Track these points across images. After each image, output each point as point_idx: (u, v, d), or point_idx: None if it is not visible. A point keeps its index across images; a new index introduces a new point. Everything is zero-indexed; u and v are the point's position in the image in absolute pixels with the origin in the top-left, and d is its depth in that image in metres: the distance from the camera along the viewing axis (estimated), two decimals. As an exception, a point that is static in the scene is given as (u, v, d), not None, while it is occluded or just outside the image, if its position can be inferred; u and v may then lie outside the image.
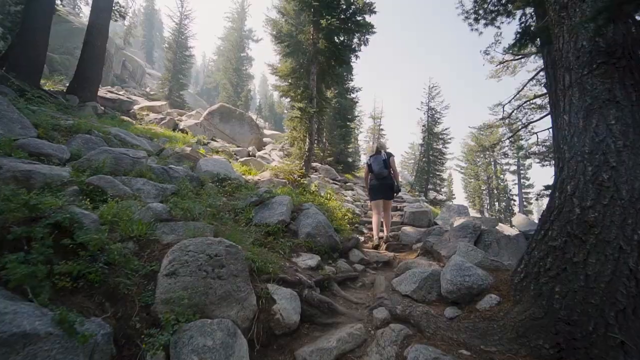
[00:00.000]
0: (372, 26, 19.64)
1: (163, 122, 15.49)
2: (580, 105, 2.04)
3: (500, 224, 5.24)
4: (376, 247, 5.32)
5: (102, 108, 12.46)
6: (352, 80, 20.39)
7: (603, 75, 1.98)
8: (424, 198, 14.84)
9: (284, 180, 6.41)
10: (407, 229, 5.67)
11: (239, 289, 2.36)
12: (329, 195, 6.96)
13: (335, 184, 11.42)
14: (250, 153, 13.79)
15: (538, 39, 5.43)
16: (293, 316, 2.47)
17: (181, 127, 15.69)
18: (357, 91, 20.07)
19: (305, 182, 6.89)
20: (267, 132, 35.05)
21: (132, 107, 15.92)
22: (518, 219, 4.56)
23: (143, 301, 2.04)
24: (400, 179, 5.82)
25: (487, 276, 2.50)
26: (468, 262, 2.62)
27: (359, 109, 40.17)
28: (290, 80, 7.55)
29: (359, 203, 8.55)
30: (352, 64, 20.74)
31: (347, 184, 11.86)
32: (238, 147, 15.50)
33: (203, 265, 2.27)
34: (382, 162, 5.40)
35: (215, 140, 15.93)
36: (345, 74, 20.17)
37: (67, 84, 12.32)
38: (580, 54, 2.11)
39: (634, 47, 2.03)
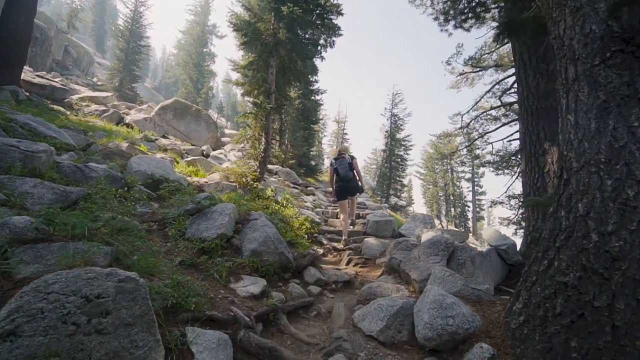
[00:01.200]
0: (339, 28, 19.35)
1: (106, 114, 13.80)
2: (591, 103, 1.62)
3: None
4: (347, 244, 5.50)
5: (27, 94, 10.71)
6: (317, 82, 19.96)
7: (620, 65, 1.58)
8: (386, 205, 14.70)
9: (234, 184, 5.63)
10: (370, 240, 5.17)
11: (135, 345, 1.62)
12: (285, 201, 6.29)
13: (296, 188, 10.75)
14: (205, 152, 12.69)
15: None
16: (217, 377, 1.77)
17: (127, 122, 14.12)
18: (321, 93, 19.65)
19: (260, 186, 6.15)
20: (228, 131, 33.47)
21: (67, 96, 14.02)
22: (488, 231, 4.22)
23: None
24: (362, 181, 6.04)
25: (475, 316, 1.99)
26: (449, 296, 2.11)
27: (324, 112, 40.01)
28: (247, 73, 6.78)
29: (319, 209, 7.97)
30: (317, 65, 20.38)
31: (309, 189, 11.24)
32: (192, 145, 14.27)
33: (72, 315, 1.49)
34: (347, 165, 5.61)
35: (167, 138, 14.57)
36: (309, 75, 19.71)
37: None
38: (588, 41, 1.70)
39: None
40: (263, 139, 6.22)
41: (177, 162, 6.91)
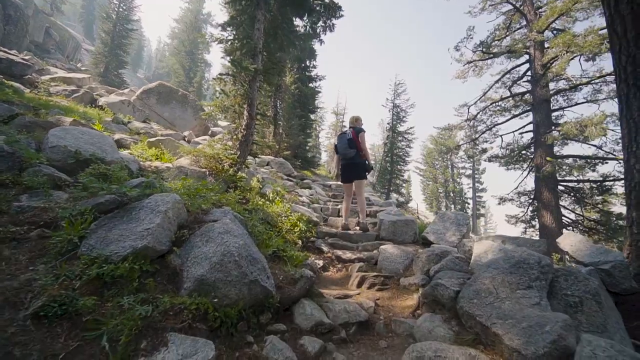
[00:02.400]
0: (340, 7, 17.80)
1: (76, 95, 12.18)
2: None
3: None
4: (345, 228, 4.90)
5: (-27, 66, 9.13)
6: (315, 68, 18.40)
7: None
8: (393, 200, 13.27)
9: (203, 170, 4.16)
10: (389, 249, 3.73)
11: None
12: (274, 195, 4.83)
13: (290, 180, 9.29)
14: (187, 139, 11.17)
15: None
16: None
17: (100, 104, 12.51)
18: (320, 80, 18.10)
19: (242, 174, 4.67)
20: (222, 122, 31.80)
21: (29, 72, 12.32)
22: (570, 239, 2.81)
23: None
24: (371, 159, 4.47)
25: None
26: None
27: (322, 105, 38.37)
28: (230, 30, 5.25)
29: (317, 205, 6.51)
30: (315, 49, 18.76)
31: (305, 181, 9.77)
32: (173, 131, 12.73)
33: None
34: (347, 141, 4.82)
35: (147, 123, 13.01)
36: (307, 60, 18.12)
37: None
38: None
39: None
40: (245, 112, 4.72)
41: (136, 143, 5.41)
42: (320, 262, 3.77)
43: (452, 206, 43.95)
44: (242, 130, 4.68)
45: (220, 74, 4.71)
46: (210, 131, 18.27)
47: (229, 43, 5.10)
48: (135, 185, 2.42)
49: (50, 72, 16.29)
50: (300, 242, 3.92)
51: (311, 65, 18.25)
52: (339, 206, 6.81)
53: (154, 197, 2.16)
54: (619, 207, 14.87)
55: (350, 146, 4.81)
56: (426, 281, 2.91)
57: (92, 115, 8.89)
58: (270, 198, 4.39)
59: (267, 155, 14.46)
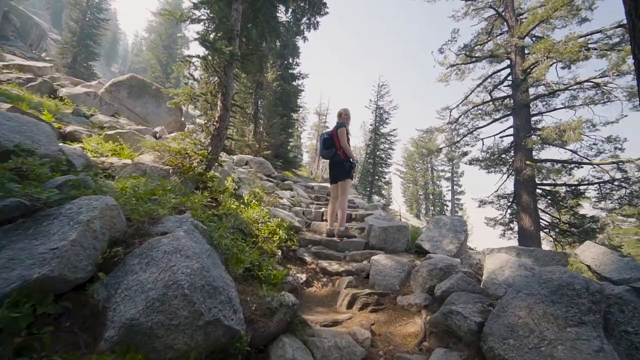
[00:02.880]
0: (325, 4, 17.36)
1: (32, 84, 11.01)
2: None
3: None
4: (330, 234, 4.39)
5: None
6: (298, 65, 17.86)
7: None
8: (380, 203, 12.92)
9: (167, 168, 3.52)
10: (381, 260, 3.25)
11: None
12: (250, 197, 4.25)
13: (270, 181, 8.69)
14: (158, 135, 10.31)
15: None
16: None
17: (61, 95, 11.38)
18: (302, 78, 17.57)
19: (213, 172, 4.06)
20: (201, 120, 30.61)
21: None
22: (592, 251, 2.43)
23: None
24: (352, 153, 4.44)
25: None
26: None
27: (305, 104, 37.86)
28: (204, 10, 4.62)
29: (299, 209, 5.98)
30: (299, 46, 18.22)
31: (286, 182, 9.20)
32: (144, 127, 11.79)
33: None
34: (324, 140, 4.46)
35: (116, 117, 12.00)
36: (290, 57, 17.55)
37: None
38: None
39: None
40: (219, 102, 4.11)
41: (91, 136, 4.66)
42: (303, 276, 3.24)
43: (432, 208, 44.56)
44: (215, 123, 4.07)
45: (189, 56, 4.08)
46: (186, 128, 17.34)
47: (202, 23, 4.48)
48: (58, 184, 1.80)
49: (5, 59, 14.85)
50: (279, 252, 3.37)
51: (294, 63, 17.71)
52: (323, 209, 6.30)
53: (78, 202, 1.56)
54: (590, 210, 15.31)
55: (326, 145, 4.41)
56: (429, 301, 2.45)
57: (48, 106, 7.95)
58: (246, 201, 3.82)
59: (247, 154, 13.77)
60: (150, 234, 1.63)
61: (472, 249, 5.69)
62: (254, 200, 3.87)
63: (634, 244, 25.94)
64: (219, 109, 4.12)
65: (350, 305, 2.68)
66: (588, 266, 2.41)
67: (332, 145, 4.37)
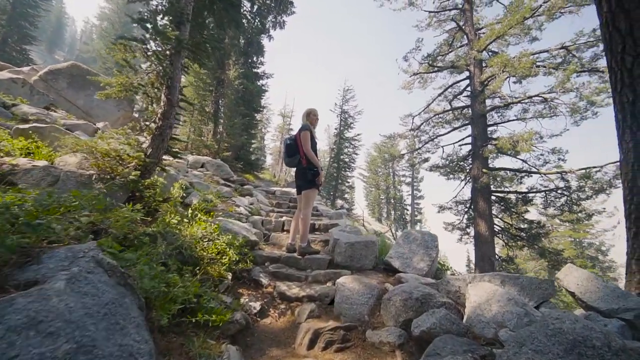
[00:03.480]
0: (292, 3, 16.88)
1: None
2: None
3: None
4: (291, 250, 3.94)
5: None
6: (262, 64, 17.18)
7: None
8: (344, 211, 12.64)
9: (90, 174, 2.83)
10: (347, 282, 2.86)
11: None
12: (199, 207, 3.65)
13: (228, 185, 8.01)
14: (101, 131, 9.15)
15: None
16: None
17: (-22, 80, 9.70)
18: (267, 77, 16.92)
19: (153, 179, 3.41)
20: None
21: None
22: (574, 275, 2.25)
23: None
24: (317, 160, 3.92)
25: None
26: None
27: (269, 105, 36.96)
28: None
29: (258, 218, 5.44)
30: (264, 44, 17.55)
31: (245, 187, 8.56)
32: (84, 122, 10.48)
33: None
34: (287, 146, 3.95)
35: (50, 109, 10.53)
36: (255, 55, 16.81)
37: None
38: None
39: None
40: (163, 96, 3.49)
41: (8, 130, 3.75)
42: (257, 305, 2.74)
43: (393, 212, 45.72)
44: (157, 121, 3.44)
45: (123, 37, 3.41)
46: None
47: (153, 6, 3.83)
48: None
49: None
50: (229, 275, 2.85)
51: (258, 62, 17.00)
52: (284, 218, 5.82)
53: None
54: (537, 216, 16.38)
55: (289, 152, 3.88)
56: (404, 339, 2.09)
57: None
58: (191, 213, 3.23)
59: (205, 155, 12.85)
60: (8, 287, 1.07)
61: (442, 265, 5.53)
62: (199, 215, 3.28)
63: (569, 245, 28.45)
64: (162, 104, 3.49)
65: (311, 345, 2.24)
66: (572, 293, 2.23)
67: (296, 151, 3.86)
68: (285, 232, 5.40)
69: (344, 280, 2.94)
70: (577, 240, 29.80)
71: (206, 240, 2.86)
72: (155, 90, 3.55)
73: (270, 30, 17.06)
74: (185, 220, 3.02)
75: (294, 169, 4.05)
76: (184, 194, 4.34)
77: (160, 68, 3.42)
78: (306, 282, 3.30)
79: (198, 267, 2.48)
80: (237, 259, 2.97)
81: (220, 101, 15.34)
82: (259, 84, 16.56)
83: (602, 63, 12.14)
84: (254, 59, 16.84)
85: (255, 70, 16.66)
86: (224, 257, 2.82)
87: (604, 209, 14.26)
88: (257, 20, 15.47)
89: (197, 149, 13.06)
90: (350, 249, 3.59)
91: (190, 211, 3.26)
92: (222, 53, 14.54)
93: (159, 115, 3.47)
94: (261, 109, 17.58)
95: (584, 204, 13.60)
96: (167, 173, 3.99)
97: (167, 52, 3.49)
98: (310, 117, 4.08)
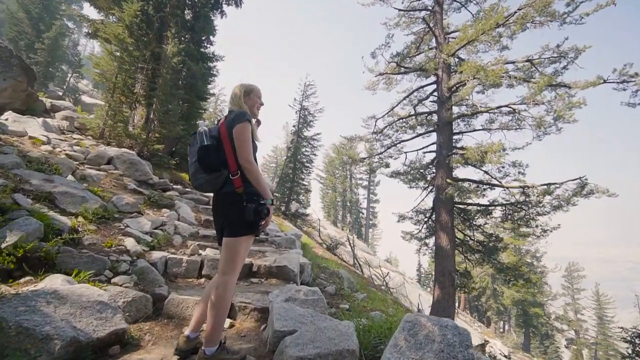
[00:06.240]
0: (249, -23, 14.51)
1: None
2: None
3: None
4: (183, 348, 1.91)
5: None
6: (212, 45, 14.64)
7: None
8: (298, 232, 10.71)
9: None
10: None
11: None
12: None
13: (140, 192, 5.71)
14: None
15: None
16: None
17: None
18: (217, 60, 14.44)
19: None
20: (87, 99, 23.95)
21: None
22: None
23: None
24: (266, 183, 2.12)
25: None
26: None
27: (220, 92, 33.60)
28: None
29: (161, 255, 3.38)
30: (215, 23, 15.00)
31: (167, 194, 6.29)
32: None
33: None
34: (202, 150, 1.88)
35: None
36: (202, 33, 14.19)
37: None
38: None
39: None
40: None
41: None
42: None
43: (348, 215, 44.99)
44: None
45: None
46: (48, 104, 12.38)
47: None
48: None
49: None
50: None
51: (206, 40, 14.41)
52: (206, 252, 3.83)
53: None
54: (494, 229, 16.09)
55: (205, 162, 1.89)
56: None
57: None
58: None
59: (129, 148, 10.13)
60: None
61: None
62: None
63: (510, 253, 29.69)
64: None
65: None
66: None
67: (220, 161, 1.92)
68: (203, 280, 3.41)
69: None
70: (517, 247, 31.46)
71: None
72: None
73: (224, 4, 14.61)
74: None
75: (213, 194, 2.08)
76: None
77: None
78: None
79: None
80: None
81: (157, 81, 12.56)
82: (206, 65, 14.04)
83: (566, 78, 11.83)
84: (202, 37, 14.22)
85: (203, 49, 14.09)
86: None
87: (559, 225, 14.21)
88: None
89: (118, 138, 10.30)
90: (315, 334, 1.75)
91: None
92: (161, 21, 11.87)
93: None
94: (207, 96, 14.99)
95: (540, 219, 13.34)
96: None
97: None
98: (252, 99, 2.10)
